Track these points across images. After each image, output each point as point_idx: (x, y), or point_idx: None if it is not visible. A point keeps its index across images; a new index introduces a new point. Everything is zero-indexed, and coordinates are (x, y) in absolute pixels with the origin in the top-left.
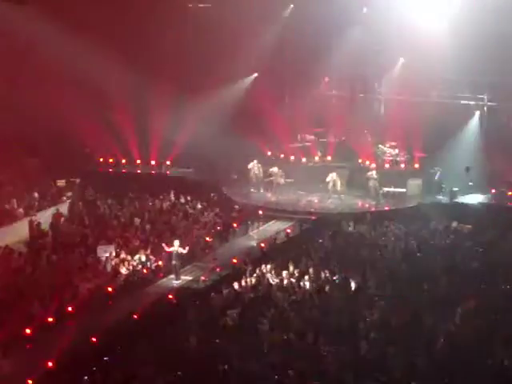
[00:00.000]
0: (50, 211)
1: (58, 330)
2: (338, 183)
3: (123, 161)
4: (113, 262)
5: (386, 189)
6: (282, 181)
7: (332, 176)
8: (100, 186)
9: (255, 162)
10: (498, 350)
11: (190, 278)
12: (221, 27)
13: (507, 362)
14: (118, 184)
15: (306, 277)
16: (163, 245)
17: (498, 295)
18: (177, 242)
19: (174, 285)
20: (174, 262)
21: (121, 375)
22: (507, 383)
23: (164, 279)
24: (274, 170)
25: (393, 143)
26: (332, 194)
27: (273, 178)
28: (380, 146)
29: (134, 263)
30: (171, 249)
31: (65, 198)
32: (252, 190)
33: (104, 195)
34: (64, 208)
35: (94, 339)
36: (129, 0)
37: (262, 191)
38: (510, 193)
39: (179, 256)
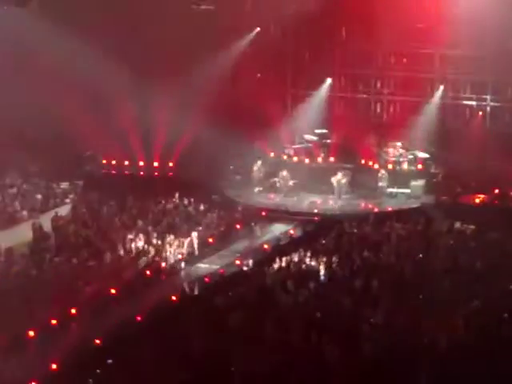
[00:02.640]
0: (53, 214)
1: (61, 333)
2: (342, 183)
3: (126, 162)
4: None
5: (389, 189)
6: (290, 183)
7: (337, 177)
8: (103, 187)
9: (259, 163)
10: (502, 350)
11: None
12: (223, 27)
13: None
14: (120, 186)
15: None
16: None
17: (501, 296)
18: (194, 234)
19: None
20: (188, 250)
21: (125, 377)
22: None
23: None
24: (284, 173)
25: (396, 144)
26: (340, 194)
27: (279, 180)
28: (383, 146)
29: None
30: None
31: (68, 201)
32: (257, 189)
33: (107, 197)
34: (67, 210)
35: (97, 341)
36: (130, 1)
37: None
38: None
39: (192, 244)
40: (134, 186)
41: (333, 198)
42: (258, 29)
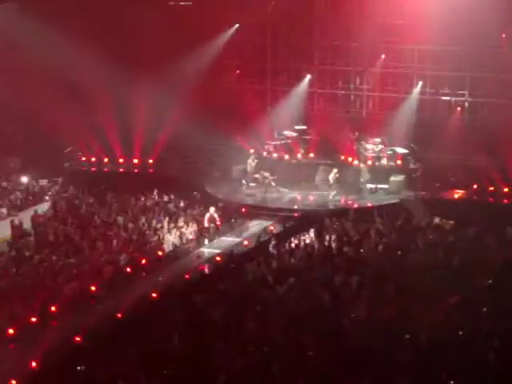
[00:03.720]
0: (33, 211)
1: (41, 330)
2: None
3: (106, 159)
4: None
5: (368, 185)
6: (273, 183)
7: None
8: (83, 184)
9: (252, 157)
10: (482, 343)
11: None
12: (201, 24)
13: (491, 356)
14: (100, 183)
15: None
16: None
17: (480, 290)
18: (212, 209)
19: (205, 251)
20: (206, 225)
21: (105, 375)
22: (492, 377)
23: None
24: (266, 174)
25: (375, 140)
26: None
27: (259, 176)
28: (362, 142)
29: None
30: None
31: (47, 198)
32: (243, 181)
33: (87, 194)
34: (47, 207)
35: (78, 339)
36: None
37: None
38: (491, 188)
39: (212, 220)
40: (114, 183)
41: (328, 194)
42: (237, 25)
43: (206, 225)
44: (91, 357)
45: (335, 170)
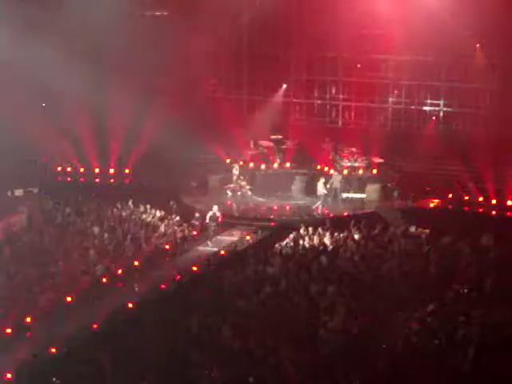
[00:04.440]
0: (8, 221)
1: (16, 341)
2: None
3: (81, 169)
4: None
5: (345, 194)
6: (249, 193)
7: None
8: (58, 195)
9: (236, 166)
10: (457, 352)
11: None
12: (177, 34)
13: (467, 365)
14: (76, 193)
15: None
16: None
17: (456, 299)
18: (215, 207)
19: (207, 248)
20: (208, 224)
21: None
22: None
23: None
24: (243, 183)
25: (351, 149)
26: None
27: (242, 188)
28: (338, 151)
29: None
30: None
31: (23, 208)
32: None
33: (62, 204)
34: (22, 218)
35: (53, 350)
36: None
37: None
38: (466, 197)
39: (215, 218)
40: (90, 193)
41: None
42: (214, 35)
43: (208, 222)
44: (66, 368)
45: (323, 180)
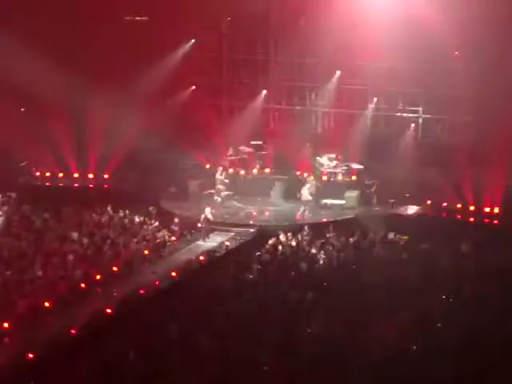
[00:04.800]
0: None
1: None
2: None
3: (60, 174)
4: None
5: (324, 201)
6: (225, 194)
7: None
8: (37, 199)
9: (219, 172)
10: (435, 358)
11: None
12: (157, 40)
13: (445, 372)
14: (55, 198)
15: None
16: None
17: (434, 306)
18: (208, 209)
19: (204, 246)
20: (202, 226)
21: None
22: None
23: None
24: (221, 187)
25: (331, 155)
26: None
27: (214, 191)
28: (318, 158)
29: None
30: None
31: (1, 213)
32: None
33: (41, 209)
34: (0, 222)
35: (30, 355)
36: (64, 8)
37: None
38: (444, 204)
39: (207, 220)
40: (69, 198)
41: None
42: (193, 40)
43: (200, 225)
44: (44, 373)
45: (308, 185)
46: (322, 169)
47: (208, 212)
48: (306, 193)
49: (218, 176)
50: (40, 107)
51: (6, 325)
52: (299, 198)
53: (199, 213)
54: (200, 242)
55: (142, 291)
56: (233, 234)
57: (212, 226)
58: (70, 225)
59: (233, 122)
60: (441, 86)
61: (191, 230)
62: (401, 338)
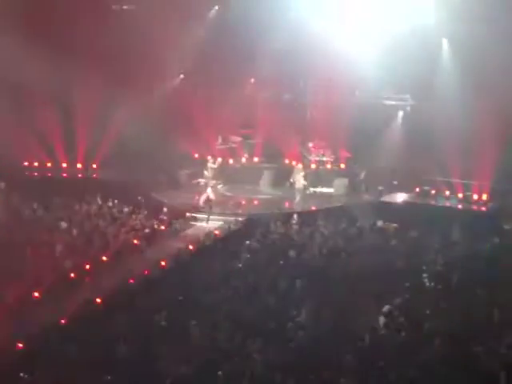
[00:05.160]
0: None
1: None
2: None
3: (48, 164)
4: None
5: (313, 189)
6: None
7: (296, 176)
8: (25, 190)
9: (212, 160)
10: (423, 347)
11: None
12: (145, 28)
13: (432, 357)
14: (43, 188)
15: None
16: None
17: (423, 293)
18: (209, 189)
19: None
20: (202, 206)
21: (49, 381)
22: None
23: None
24: (206, 173)
25: (319, 143)
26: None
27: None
28: (306, 146)
29: None
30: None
31: None
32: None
33: (29, 200)
34: None
35: (20, 345)
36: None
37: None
38: (433, 191)
39: (208, 201)
40: (57, 188)
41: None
42: (181, 29)
43: (202, 205)
44: (34, 364)
45: (302, 173)
46: (310, 157)
47: (210, 192)
48: (301, 180)
49: (209, 165)
50: (26, 96)
51: None
52: (291, 185)
53: (188, 202)
54: (199, 224)
55: (131, 280)
56: (221, 222)
57: (210, 207)
58: (58, 215)
59: (221, 111)
60: (429, 72)
61: (180, 218)
62: (390, 324)
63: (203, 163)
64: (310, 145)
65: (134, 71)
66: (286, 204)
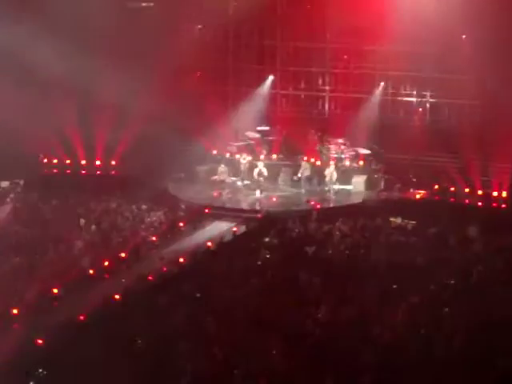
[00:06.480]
0: None
1: (2, 333)
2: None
3: (67, 161)
4: None
5: (332, 186)
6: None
7: (329, 170)
8: (44, 187)
9: (245, 155)
10: (443, 342)
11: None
12: (162, 25)
13: (452, 355)
14: (62, 185)
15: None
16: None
17: (442, 290)
18: (261, 163)
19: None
20: (257, 178)
21: (68, 378)
22: (449, 379)
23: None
24: (222, 169)
25: (338, 140)
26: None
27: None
28: (325, 143)
29: None
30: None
31: (8, 200)
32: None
33: (48, 196)
34: (8, 210)
35: (39, 341)
36: None
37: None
38: (452, 188)
39: (262, 174)
40: (76, 185)
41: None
42: (200, 26)
43: (256, 178)
44: (53, 360)
45: (332, 169)
46: (329, 154)
47: (261, 166)
48: (334, 176)
49: (242, 160)
50: (46, 92)
51: (14, 311)
52: (298, 180)
53: (207, 198)
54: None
55: (150, 277)
56: (240, 219)
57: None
58: (77, 212)
59: (240, 108)
60: (449, 69)
61: (199, 215)
62: (409, 322)
63: (220, 160)
64: (329, 142)
65: (153, 68)
66: (305, 201)
